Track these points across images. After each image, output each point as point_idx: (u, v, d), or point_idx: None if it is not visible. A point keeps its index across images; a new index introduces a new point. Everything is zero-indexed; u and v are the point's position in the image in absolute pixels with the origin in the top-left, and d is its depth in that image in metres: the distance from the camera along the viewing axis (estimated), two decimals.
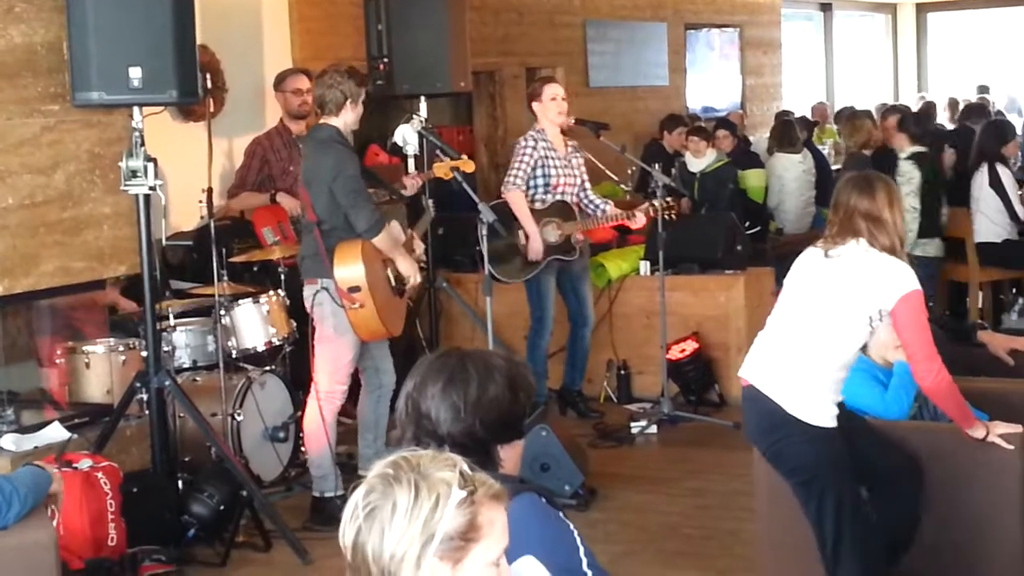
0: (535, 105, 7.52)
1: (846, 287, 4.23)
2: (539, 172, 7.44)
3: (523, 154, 7.40)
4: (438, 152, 6.88)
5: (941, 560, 4.40)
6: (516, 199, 7.37)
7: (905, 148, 8.58)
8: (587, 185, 7.66)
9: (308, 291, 6.08)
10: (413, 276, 6.17)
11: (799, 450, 4.25)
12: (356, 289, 5.86)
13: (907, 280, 4.18)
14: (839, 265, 4.26)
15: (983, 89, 15.38)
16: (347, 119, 6.05)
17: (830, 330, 4.24)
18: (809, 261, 4.38)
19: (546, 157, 7.43)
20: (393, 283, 6.14)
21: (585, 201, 7.62)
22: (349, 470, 6.34)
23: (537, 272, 7.43)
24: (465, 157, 6.83)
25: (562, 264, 7.52)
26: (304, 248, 6.14)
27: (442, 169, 6.70)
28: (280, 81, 7.77)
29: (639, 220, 7.56)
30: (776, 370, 4.29)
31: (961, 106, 14.83)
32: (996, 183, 8.81)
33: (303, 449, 6.59)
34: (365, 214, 5.91)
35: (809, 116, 13.70)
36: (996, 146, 9.04)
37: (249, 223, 7.58)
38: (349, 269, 5.88)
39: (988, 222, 8.87)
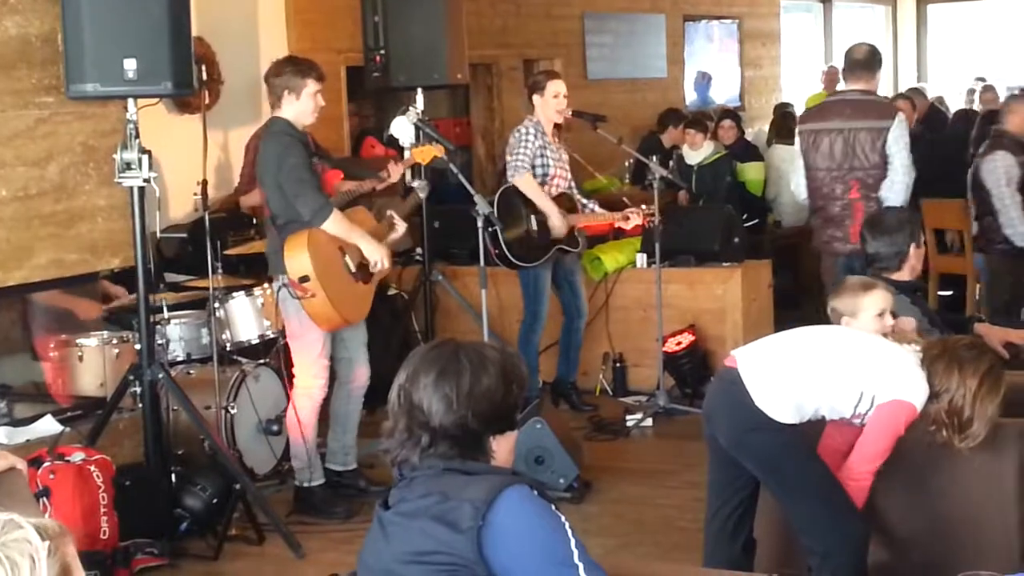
0: (535, 97, 7.50)
1: (865, 360, 4.14)
2: (539, 163, 7.43)
3: (525, 140, 7.38)
4: (432, 143, 6.85)
5: (935, 551, 4.38)
6: (527, 182, 7.35)
7: None
8: (572, 183, 7.66)
9: (274, 287, 6.07)
10: (380, 260, 6.07)
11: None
12: (306, 279, 5.83)
13: (918, 391, 4.04)
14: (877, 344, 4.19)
15: (982, 80, 15.34)
16: (294, 110, 5.96)
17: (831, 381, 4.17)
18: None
19: (544, 147, 7.42)
20: (353, 269, 6.08)
21: (575, 198, 7.63)
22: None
23: (541, 263, 7.42)
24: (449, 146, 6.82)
25: (558, 256, 7.52)
26: (268, 245, 6.12)
27: (421, 153, 6.66)
28: None
29: (632, 221, 7.55)
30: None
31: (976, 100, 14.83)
32: None
33: None
34: (309, 201, 5.84)
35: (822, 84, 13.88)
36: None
37: (245, 216, 7.56)
38: (296, 259, 5.85)
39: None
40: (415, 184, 6.84)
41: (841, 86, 8.13)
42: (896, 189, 6.71)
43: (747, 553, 4.41)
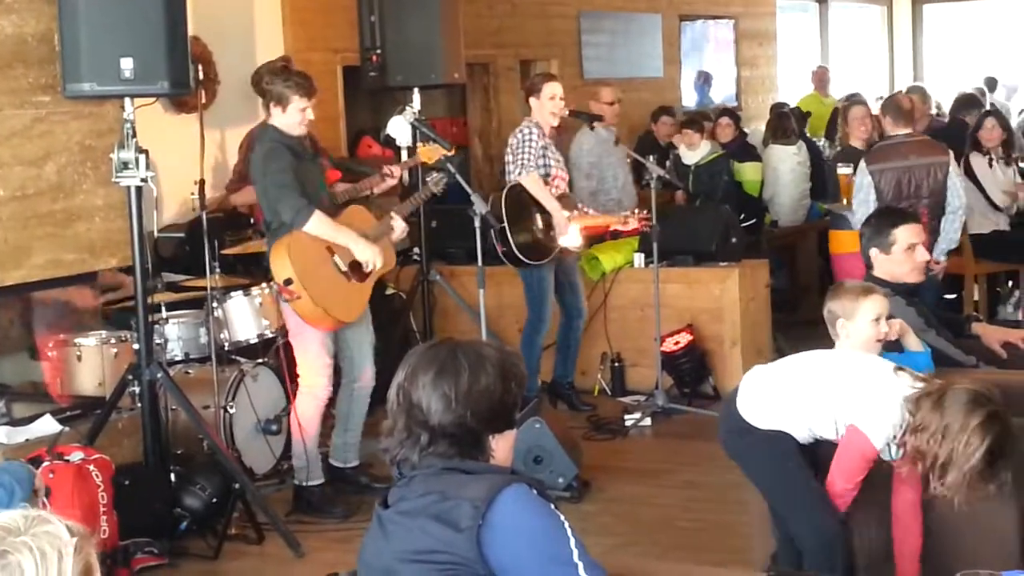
0: (532, 100, 7.51)
1: (843, 389, 4.11)
2: (540, 163, 7.43)
3: (529, 140, 7.38)
4: (430, 143, 6.86)
5: (933, 550, 4.38)
6: (533, 180, 7.35)
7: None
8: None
9: (272, 289, 6.08)
10: (371, 260, 6.03)
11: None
12: (289, 281, 5.83)
13: (877, 427, 3.96)
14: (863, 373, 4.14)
15: (991, 82, 15.30)
16: (282, 120, 5.96)
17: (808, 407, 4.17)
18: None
19: (545, 148, 7.43)
20: (344, 268, 6.06)
21: (573, 199, 7.63)
22: None
23: (546, 262, 7.42)
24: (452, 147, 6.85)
25: (559, 257, 7.53)
26: (268, 248, 6.13)
27: (427, 153, 6.66)
28: None
29: (631, 224, 7.59)
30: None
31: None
32: (970, 173, 8.72)
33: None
34: (288, 204, 5.84)
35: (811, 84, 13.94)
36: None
37: (243, 216, 7.56)
38: (278, 263, 5.87)
39: (977, 214, 8.80)
40: (430, 178, 6.80)
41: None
42: (952, 221, 7.55)
43: None
